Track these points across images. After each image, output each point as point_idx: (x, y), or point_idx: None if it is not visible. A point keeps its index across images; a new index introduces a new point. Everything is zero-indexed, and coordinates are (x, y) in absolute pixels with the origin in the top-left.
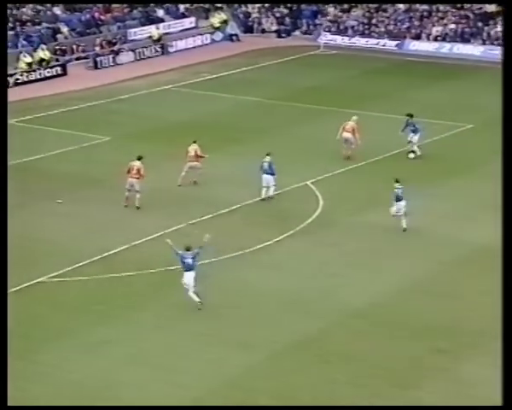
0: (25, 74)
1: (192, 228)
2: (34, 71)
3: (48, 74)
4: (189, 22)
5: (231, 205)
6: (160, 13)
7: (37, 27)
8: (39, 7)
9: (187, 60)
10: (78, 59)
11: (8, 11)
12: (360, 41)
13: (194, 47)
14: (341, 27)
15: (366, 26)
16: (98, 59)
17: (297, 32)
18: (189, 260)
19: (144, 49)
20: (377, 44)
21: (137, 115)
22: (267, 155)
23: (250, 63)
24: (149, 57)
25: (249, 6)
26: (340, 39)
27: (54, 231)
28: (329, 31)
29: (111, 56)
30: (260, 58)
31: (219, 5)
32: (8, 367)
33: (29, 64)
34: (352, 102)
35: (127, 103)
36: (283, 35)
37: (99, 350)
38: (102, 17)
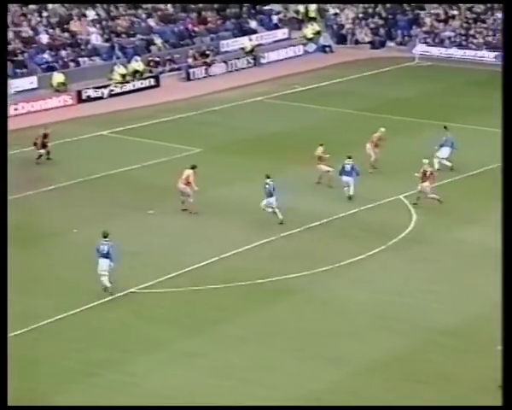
0: (119, 86)
1: (283, 241)
2: (128, 82)
3: (141, 86)
4: (281, 33)
5: (323, 218)
6: (253, 24)
7: (132, 39)
8: (134, 19)
9: (279, 71)
10: (170, 70)
11: (104, 23)
12: (457, 52)
13: (286, 58)
14: (437, 38)
15: (463, 37)
16: (191, 70)
17: (391, 43)
18: (105, 248)
19: (236, 61)
20: (475, 56)
21: (229, 127)
22: (348, 157)
23: (343, 75)
24: (241, 69)
25: (343, 17)
26: (436, 51)
27: (145, 242)
28: (425, 42)
29: (203, 68)
30: (353, 69)
31: (313, 16)
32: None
33: (123, 75)
34: (448, 115)
35: (219, 115)
36: (377, 46)
37: (186, 362)
38: (196, 28)
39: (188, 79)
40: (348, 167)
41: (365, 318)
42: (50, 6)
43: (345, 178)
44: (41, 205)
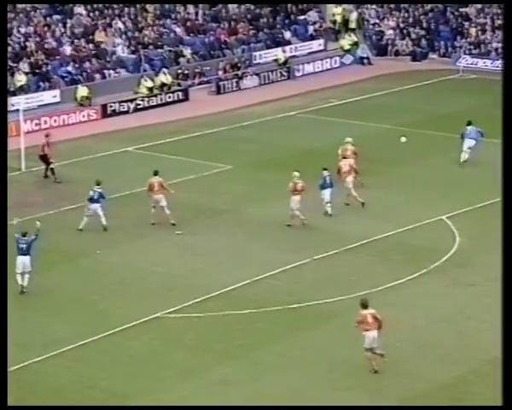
0: (146, 100)
1: (318, 263)
2: (155, 96)
3: (169, 100)
4: (317, 44)
5: (360, 240)
6: (287, 35)
7: (160, 50)
8: (162, 29)
9: (314, 84)
10: (200, 83)
11: (130, 34)
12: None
13: (322, 71)
14: (483, 50)
15: None
16: (221, 83)
17: (434, 55)
18: (24, 246)
19: (269, 73)
20: None
21: (261, 143)
22: (324, 169)
23: (382, 88)
24: (275, 81)
25: (383, 26)
26: (481, 63)
27: (172, 263)
28: (470, 53)
29: (234, 81)
30: (393, 83)
31: (352, 27)
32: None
33: (150, 89)
34: (495, 132)
35: (251, 130)
36: (419, 58)
37: (217, 391)
38: (227, 39)
39: (218, 92)
40: (328, 179)
41: (407, 346)
42: (75, 16)
43: (326, 191)
44: (64, 225)
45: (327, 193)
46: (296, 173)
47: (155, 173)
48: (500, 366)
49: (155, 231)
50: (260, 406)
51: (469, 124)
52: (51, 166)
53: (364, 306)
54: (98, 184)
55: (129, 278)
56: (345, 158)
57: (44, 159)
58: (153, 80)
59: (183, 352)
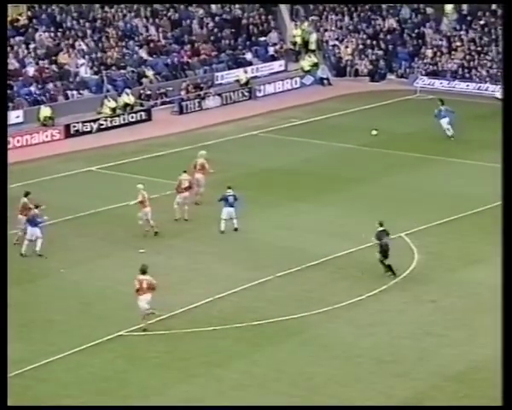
0: (108, 120)
1: (280, 280)
2: (118, 116)
3: (132, 119)
4: (278, 65)
5: (322, 257)
6: (249, 56)
7: (123, 71)
8: (125, 50)
9: (275, 104)
10: (163, 104)
11: (94, 55)
12: (460, 85)
13: (283, 91)
14: (440, 71)
15: (466, 70)
16: (184, 103)
17: (392, 76)
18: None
19: (231, 94)
20: (479, 89)
21: (224, 162)
22: (229, 188)
23: (342, 108)
24: (236, 102)
25: (341, 47)
26: (438, 83)
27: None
28: (427, 74)
29: (197, 101)
30: (353, 103)
31: (312, 48)
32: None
33: (113, 109)
34: (451, 151)
35: (213, 149)
36: (377, 79)
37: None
38: (189, 60)
39: (181, 112)
40: (231, 199)
41: (369, 362)
42: (38, 37)
43: (228, 209)
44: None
45: (224, 211)
46: (140, 186)
47: (26, 194)
48: (459, 381)
49: (119, 251)
50: (259, 406)
51: (442, 103)
52: None
53: (143, 271)
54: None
55: (92, 296)
56: (196, 170)
57: None
58: (116, 101)
59: (146, 369)
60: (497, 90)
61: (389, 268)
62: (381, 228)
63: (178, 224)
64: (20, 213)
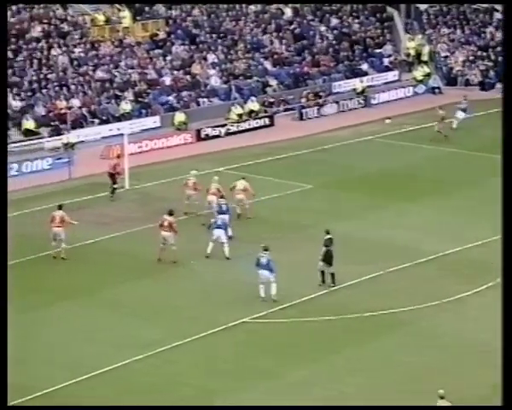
0: (235, 125)
1: (391, 276)
2: (244, 122)
3: (256, 125)
4: (392, 75)
5: (429, 255)
6: (365, 66)
7: (249, 81)
8: (251, 62)
9: (389, 111)
10: (285, 110)
11: (223, 66)
12: None
13: (396, 99)
14: None
15: None
16: (304, 110)
17: (501, 85)
18: (264, 260)
19: (348, 101)
20: None
21: (340, 165)
22: (265, 249)
23: (451, 115)
24: (352, 109)
25: (452, 59)
26: None
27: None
28: None
29: (316, 108)
30: None
31: (425, 59)
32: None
33: (239, 115)
34: None
35: (330, 153)
36: (487, 88)
37: (298, 391)
38: (310, 71)
39: (301, 118)
40: (264, 260)
41: (470, 355)
42: (174, 50)
43: (262, 272)
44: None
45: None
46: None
47: (60, 207)
48: None
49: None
50: (265, 406)
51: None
52: (115, 185)
53: (170, 213)
54: None
55: (226, 285)
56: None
57: (112, 177)
58: (242, 107)
59: (266, 354)
60: None
61: (331, 277)
62: (328, 236)
63: (304, 221)
64: (58, 225)
